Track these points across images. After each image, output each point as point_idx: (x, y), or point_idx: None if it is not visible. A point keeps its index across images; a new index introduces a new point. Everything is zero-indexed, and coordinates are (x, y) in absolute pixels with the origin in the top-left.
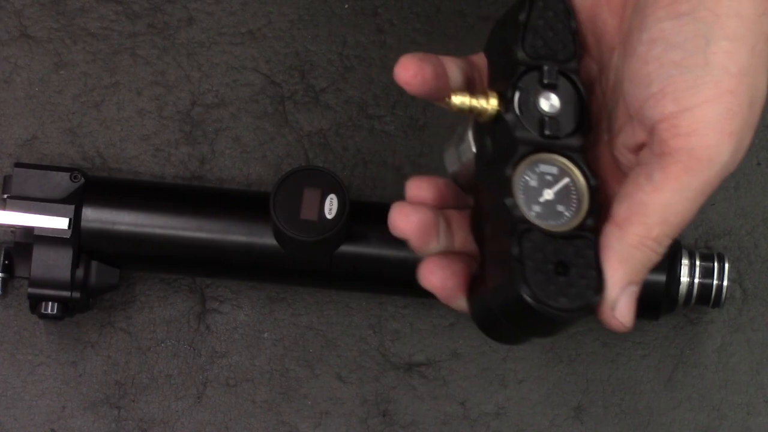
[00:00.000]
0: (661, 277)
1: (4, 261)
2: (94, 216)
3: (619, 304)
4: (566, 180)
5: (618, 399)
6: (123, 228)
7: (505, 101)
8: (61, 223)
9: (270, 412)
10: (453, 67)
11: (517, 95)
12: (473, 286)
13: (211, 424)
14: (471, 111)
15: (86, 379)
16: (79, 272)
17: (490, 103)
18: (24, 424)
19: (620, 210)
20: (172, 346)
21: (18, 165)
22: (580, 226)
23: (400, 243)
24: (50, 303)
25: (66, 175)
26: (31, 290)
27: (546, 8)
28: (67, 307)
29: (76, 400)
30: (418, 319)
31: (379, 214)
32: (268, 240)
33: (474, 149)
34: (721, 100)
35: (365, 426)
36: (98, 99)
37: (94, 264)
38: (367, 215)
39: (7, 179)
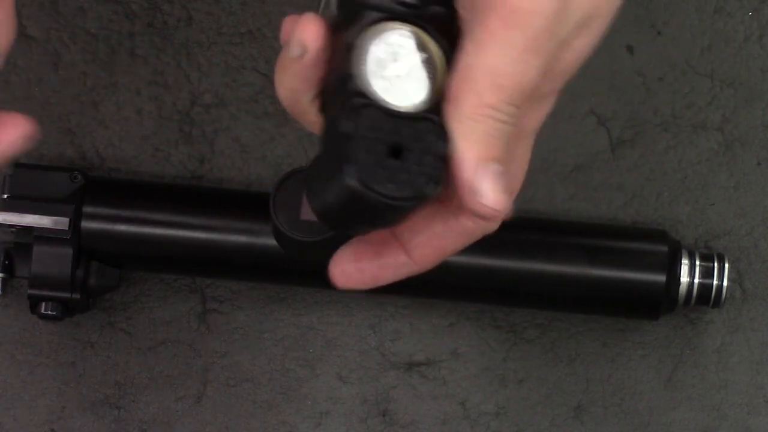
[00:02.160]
0: (661, 277)
1: (4, 261)
2: (94, 216)
3: (481, 186)
4: (421, 55)
5: (618, 399)
6: (123, 228)
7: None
8: (61, 223)
9: (270, 412)
10: None
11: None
12: (311, 169)
13: (211, 424)
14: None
15: (86, 379)
16: (79, 272)
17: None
18: (24, 424)
19: (452, 83)
20: (172, 346)
21: (18, 165)
22: (432, 109)
23: None
24: (50, 303)
25: (66, 175)
26: (31, 290)
27: None
28: (67, 308)
29: (75, 400)
30: (418, 319)
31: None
32: (268, 240)
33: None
34: None
35: (365, 426)
36: (97, 99)
37: (94, 264)
38: None
39: (7, 179)
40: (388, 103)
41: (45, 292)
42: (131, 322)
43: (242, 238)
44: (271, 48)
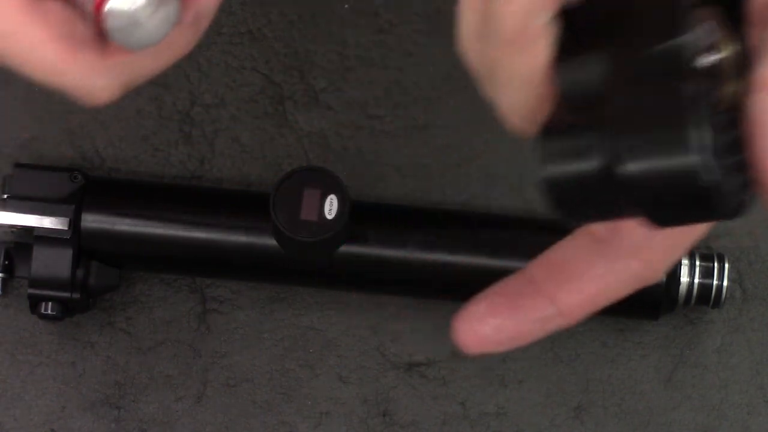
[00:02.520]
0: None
1: (4, 261)
2: (94, 216)
3: None
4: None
5: (618, 399)
6: (123, 228)
7: None
8: (61, 223)
9: (270, 412)
10: None
11: None
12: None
13: (211, 424)
14: None
15: (86, 380)
16: (79, 272)
17: None
18: (24, 424)
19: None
20: (172, 346)
21: (18, 165)
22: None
23: (401, 243)
24: (50, 303)
25: (66, 175)
26: (31, 290)
27: None
28: (67, 308)
29: (75, 401)
30: (418, 319)
31: (380, 214)
32: (268, 240)
33: None
34: None
35: (365, 426)
36: None
37: (94, 264)
38: (368, 215)
39: (7, 179)
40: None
41: (45, 292)
42: (131, 322)
43: (242, 238)
44: (271, 48)
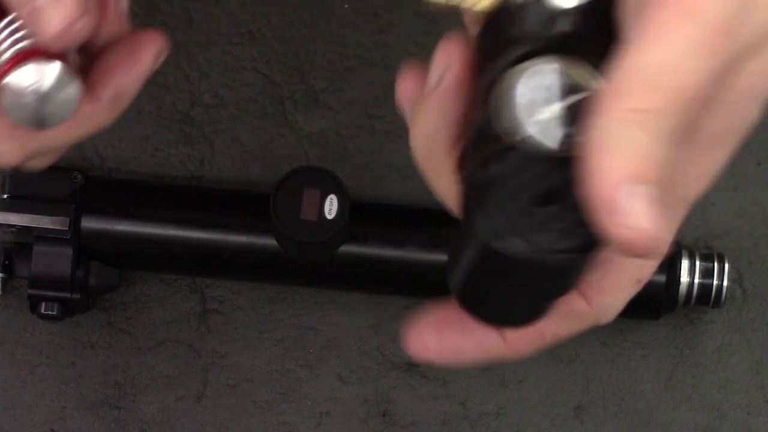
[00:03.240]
0: (661, 277)
1: (4, 261)
2: (94, 216)
3: (627, 204)
4: (580, 92)
5: (618, 399)
6: (123, 228)
7: None
8: (61, 223)
9: (270, 412)
10: None
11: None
12: (451, 249)
13: (211, 424)
14: (453, 8)
15: (86, 380)
16: (79, 272)
17: None
18: (23, 424)
19: (606, 88)
20: (172, 346)
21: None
22: None
23: (401, 243)
24: (50, 303)
25: (66, 175)
26: (31, 290)
27: None
28: (67, 308)
29: (75, 401)
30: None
31: (380, 214)
32: (268, 240)
33: None
34: None
35: (365, 426)
36: None
37: (94, 264)
38: (368, 215)
39: (7, 179)
40: (540, 146)
41: (45, 292)
42: (131, 322)
43: (242, 238)
44: (271, 48)
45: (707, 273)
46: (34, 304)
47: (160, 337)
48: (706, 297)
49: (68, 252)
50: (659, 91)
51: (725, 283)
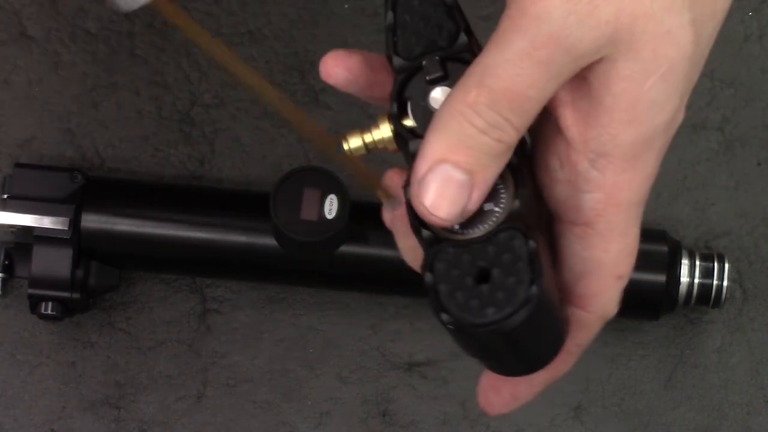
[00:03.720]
0: (661, 277)
1: (4, 261)
2: (94, 216)
3: (427, 184)
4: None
5: (618, 399)
6: (123, 228)
7: (393, 119)
8: (61, 223)
9: (270, 412)
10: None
11: (409, 106)
12: None
13: (211, 424)
14: (371, 149)
15: (86, 380)
16: (79, 272)
17: (383, 130)
18: (24, 424)
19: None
20: (172, 346)
21: (18, 165)
22: (508, 218)
23: None
24: (50, 303)
25: (66, 175)
26: (31, 290)
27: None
28: (67, 308)
29: (75, 400)
30: (418, 319)
31: (380, 214)
32: (268, 240)
33: None
34: None
35: (365, 426)
36: (97, 99)
37: (94, 264)
38: (367, 215)
39: (7, 179)
40: (469, 234)
41: (45, 292)
42: (131, 322)
43: (242, 238)
44: (270, 48)
45: (707, 273)
46: (34, 304)
47: (160, 337)
48: (706, 297)
49: (68, 252)
50: (484, 88)
51: (725, 283)
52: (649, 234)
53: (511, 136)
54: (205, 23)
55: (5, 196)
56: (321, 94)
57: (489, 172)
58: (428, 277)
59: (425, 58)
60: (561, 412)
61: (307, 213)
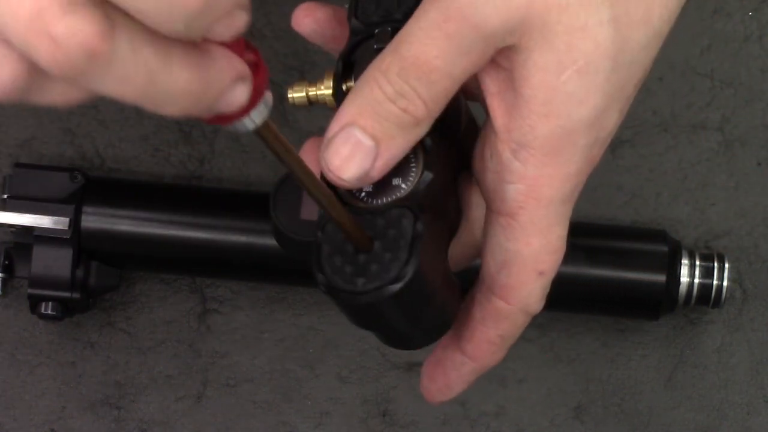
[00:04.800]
0: (661, 277)
1: (4, 261)
2: (94, 216)
3: (333, 143)
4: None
5: (618, 399)
6: (123, 228)
7: (336, 78)
8: (61, 223)
9: (270, 412)
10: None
11: (354, 69)
12: None
13: (211, 424)
14: (313, 102)
15: (86, 380)
16: (79, 272)
17: (326, 86)
18: (24, 424)
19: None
20: (172, 346)
21: (18, 165)
22: (408, 197)
23: None
24: (50, 303)
25: (66, 175)
26: (31, 290)
27: None
28: (67, 307)
29: (75, 401)
30: None
31: None
32: (268, 240)
33: None
34: None
35: (365, 426)
36: (97, 99)
37: (94, 264)
38: None
39: (7, 179)
40: (366, 203)
41: (45, 292)
42: (131, 322)
43: (242, 238)
44: (270, 48)
45: (707, 273)
46: (34, 304)
47: (160, 337)
48: (706, 297)
49: (68, 252)
50: (396, 56)
51: (725, 283)
52: (649, 234)
53: (418, 108)
54: None
55: (5, 196)
56: None
57: (394, 143)
58: (318, 235)
59: (379, 27)
60: (561, 412)
61: (307, 213)
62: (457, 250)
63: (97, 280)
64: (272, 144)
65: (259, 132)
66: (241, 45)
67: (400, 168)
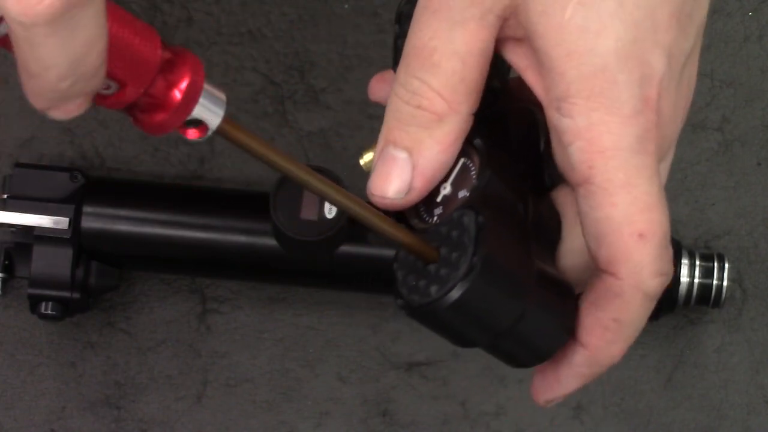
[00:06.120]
0: None
1: (4, 261)
2: (94, 216)
3: (374, 170)
4: (461, 160)
5: (618, 399)
6: (123, 228)
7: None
8: (61, 223)
9: (270, 412)
10: None
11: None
12: None
13: (211, 424)
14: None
15: (86, 380)
16: (79, 272)
17: None
18: (24, 424)
19: None
20: (172, 346)
21: (18, 165)
22: (469, 200)
23: None
24: (50, 303)
25: (66, 175)
26: (31, 290)
27: None
28: (67, 307)
29: (75, 401)
30: None
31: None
32: (268, 240)
33: None
34: None
35: (365, 426)
36: None
37: (94, 264)
38: None
39: (7, 179)
40: (431, 222)
41: (45, 292)
42: (131, 322)
43: (242, 238)
44: (271, 48)
45: (707, 273)
46: (34, 304)
47: (160, 337)
48: (706, 297)
49: (68, 252)
50: (403, 58)
51: (725, 283)
52: None
53: (433, 101)
54: (205, 23)
55: (5, 195)
56: (321, 94)
57: (425, 147)
58: (394, 265)
59: None
60: (561, 412)
61: (307, 213)
62: (568, 260)
63: (96, 280)
64: (250, 146)
65: (227, 134)
66: (156, 44)
67: (461, 177)
